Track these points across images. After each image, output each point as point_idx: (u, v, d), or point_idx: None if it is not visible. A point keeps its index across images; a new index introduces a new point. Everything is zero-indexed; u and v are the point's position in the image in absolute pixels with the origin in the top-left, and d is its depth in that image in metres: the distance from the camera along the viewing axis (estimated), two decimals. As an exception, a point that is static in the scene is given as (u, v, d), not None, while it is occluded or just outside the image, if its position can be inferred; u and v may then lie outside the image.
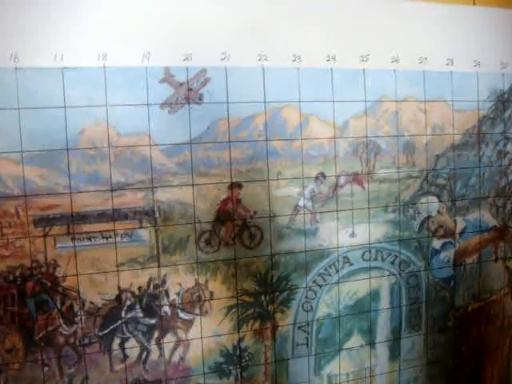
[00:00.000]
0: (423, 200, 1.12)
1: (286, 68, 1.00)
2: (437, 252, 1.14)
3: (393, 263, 1.11)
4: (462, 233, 1.15)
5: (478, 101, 1.13)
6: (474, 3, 1.13)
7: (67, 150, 0.91)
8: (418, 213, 1.11)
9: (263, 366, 1.05)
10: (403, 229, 1.11)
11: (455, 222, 1.14)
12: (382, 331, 1.12)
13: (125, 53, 0.92)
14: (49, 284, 0.93)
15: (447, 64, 1.10)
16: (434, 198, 1.12)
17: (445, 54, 1.10)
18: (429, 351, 1.16)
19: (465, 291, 1.17)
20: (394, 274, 1.12)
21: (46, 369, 0.94)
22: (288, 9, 1.00)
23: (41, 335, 0.93)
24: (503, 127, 1.16)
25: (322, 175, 1.04)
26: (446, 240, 1.14)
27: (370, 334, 1.11)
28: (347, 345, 1.10)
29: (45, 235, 0.92)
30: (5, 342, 0.92)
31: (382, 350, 1.13)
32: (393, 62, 1.06)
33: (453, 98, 1.11)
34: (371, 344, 1.12)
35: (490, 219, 1.17)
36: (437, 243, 1.14)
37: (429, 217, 1.12)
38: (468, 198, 1.15)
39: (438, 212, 1.13)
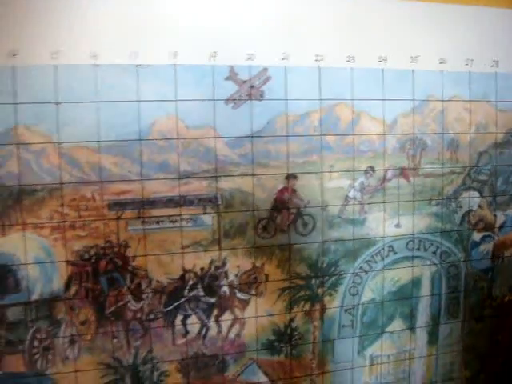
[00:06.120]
0: (465, 194, 1.18)
1: (340, 68, 1.07)
2: (476, 244, 1.20)
3: (434, 253, 1.17)
4: (501, 227, 1.21)
5: (521, 101, 1.19)
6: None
7: (140, 140, 0.99)
8: (460, 206, 1.17)
9: (311, 345, 1.13)
10: (445, 221, 1.17)
11: (495, 216, 1.20)
12: (422, 317, 1.19)
13: (193, 52, 1.00)
14: (120, 263, 1.01)
15: (492, 66, 1.16)
16: (476, 193, 1.19)
17: (490, 56, 1.15)
18: (465, 338, 1.23)
19: (502, 282, 1.23)
20: (435, 264, 1.18)
21: (115, 340, 1.02)
22: (344, 12, 1.06)
23: (111, 310, 1.02)
24: (544, 127, 1.21)
25: (372, 169, 1.11)
26: (486, 233, 1.20)
27: (410, 319, 1.18)
28: (389, 328, 1.17)
29: (118, 218, 1.00)
30: (79, 314, 1.00)
31: (422, 335, 1.20)
32: (440, 63, 1.12)
33: (497, 98, 1.17)
34: (411, 328, 1.19)
35: (529, 214, 1.23)
36: (477, 236, 1.20)
37: (470, 211, 1.18)
38: (508, 194, 1.20)
39: (479, 206, 1.19)
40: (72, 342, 1.01)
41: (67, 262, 0.99)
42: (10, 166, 0.95)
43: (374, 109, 1.10)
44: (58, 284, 0.99)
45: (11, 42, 0.92)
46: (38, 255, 0.98)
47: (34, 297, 0.98)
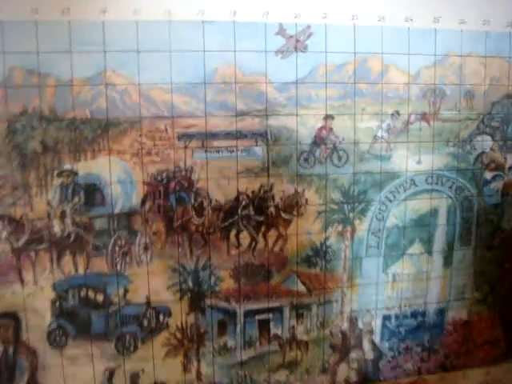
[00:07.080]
0: (479, 138, 1.35)
1: (372, 26, 1.25)
2: (488, 182, 1.37)
3: (450, 188, 1.35)
4: (510, 168, 1.38)
5: (532, 57, 1.35)
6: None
7: (204, 83, 1.19)
8: (474, 148, 1.35)
9: (342, 261, 1.32)
10: (461, 161, 1.35)
11: (505, 158, 1.37)
12: (439, 243, 1.37)
13: (249, 11, 1.19)
14: (186, 185, 1.22)
15: (507, 26, 1.32)
16: (488, 138, 1.36)
17: (506, 18, 1.32)
18: (476, 263, 1.40)
19: (510, 217, 1.40)
20: (450, 197, 1.36)
21: (180, 249, 1.23)
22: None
23: (178, 223, 1.23)
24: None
25: (397, 113, 1.30)
26: (497, 173, 1.37)
27: (428, 243, 1.36)
28: (409, 251, 1.36)
29: (185, 147, 1.20)
30: (152, 226, 1.22)
31: (438, 259, 1.38)
32: (460, 23, 1.30)
33: (510, 54, 1.33)
34: (429, 252, 1.37)
35: (536, 157, 1.39)
36: (488, 175, 1.37)
37: (483, 152, 1.36)
38: (518, 139, 1.38)
39: (491, 149, 1.36)
40: (146, 248, 1.22)
41: (143, 182, 1.20)
42: (100, 103, 1.16)
43: (401, 62, 1.28)
44: (135, 200, 1.21)
45: (102, 0, 1.13)
46: (120, 176, 1.19)
47: (116, 210, 1.20)
